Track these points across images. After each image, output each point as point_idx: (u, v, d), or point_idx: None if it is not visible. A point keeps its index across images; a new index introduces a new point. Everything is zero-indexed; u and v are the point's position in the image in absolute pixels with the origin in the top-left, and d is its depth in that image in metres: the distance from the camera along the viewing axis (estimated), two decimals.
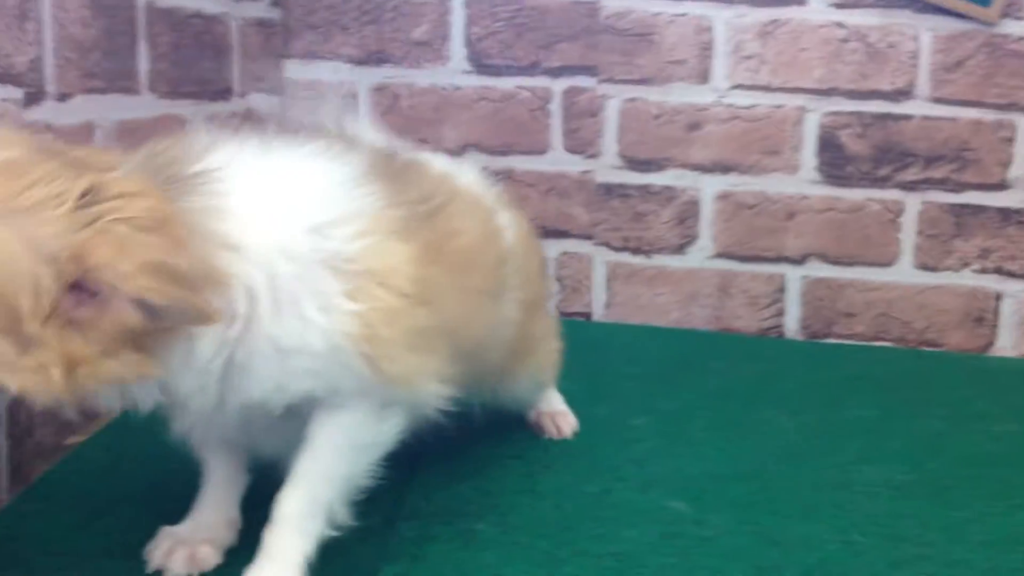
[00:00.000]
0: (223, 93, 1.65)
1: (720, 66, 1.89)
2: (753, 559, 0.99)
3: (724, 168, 1.92)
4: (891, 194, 1.87)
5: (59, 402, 0.76)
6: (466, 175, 1.17)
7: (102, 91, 1.27)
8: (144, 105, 1.39)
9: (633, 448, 1.29)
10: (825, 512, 1.11)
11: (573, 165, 1.95)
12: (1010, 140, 1.85)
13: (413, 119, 1.94)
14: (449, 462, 1.18)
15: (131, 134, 1.34)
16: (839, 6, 1.85)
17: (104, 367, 0.74)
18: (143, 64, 1.38)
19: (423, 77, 1.94)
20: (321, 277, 0.84)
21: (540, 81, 1.93)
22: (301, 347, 0.83)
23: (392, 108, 1.94)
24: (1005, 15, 1.82)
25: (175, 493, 1.06)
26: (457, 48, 1.93)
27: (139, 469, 1.14)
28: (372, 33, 1.93)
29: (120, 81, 1.32)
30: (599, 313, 1.97)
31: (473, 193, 1.15)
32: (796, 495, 1.15)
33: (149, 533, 0.97)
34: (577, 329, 1.86)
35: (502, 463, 1.20)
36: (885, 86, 1.86)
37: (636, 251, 1.96)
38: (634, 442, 1.31)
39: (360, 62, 1.94)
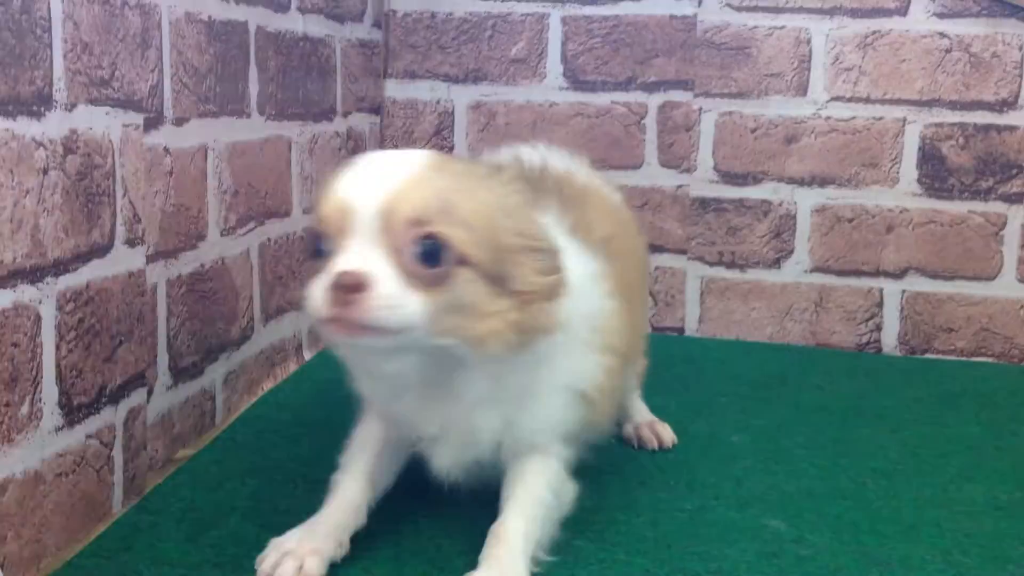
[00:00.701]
0: (327, 113, 1.70)
1: (818, 78, 1.88)
2: None
3: (821, 181, 1.91)
4: (994, 206, 1.84)
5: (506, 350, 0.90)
6: (600, 183, 1.26)
7: (215, 115, 1.33)
8: (253, 127, 1.44)
9: (730, 465, 1.29)
10: (926, 532, 1.10)
11: (668, 179, 1.96)
12: None
13: (509, 136, 1.97)
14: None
15: (240, 155, 1.40)
16: (941, 16, 1.83)
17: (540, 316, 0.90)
18: (253, 88, 1.43)
19: (519, 94, 1.97)
20: (591, 327, 1.00)
21: (635, 96, 1.94)
22: (574, 383, 0.99)
23: (488, 125, 1.98)
24: None
25: (281, 507, 1.11)
26: (553, 65, 1.95)
27: (246, 482, 1.18)
28: (470, 52, 1.97)
29: (232, 104, 1.38)
30: (692, 328, 1.98)
31: (616, 205, 1.27)
32: (896, 514, 1.15)
33: (256, 545, 1.00)
34: (671, 344, 1.87)
35: (599, 479, 1.20)
36: (989, 96, 1.83)
37: (731, 265, 1.96)
38: (731, 459, 1.31)
39: (457, 80, 1.98)
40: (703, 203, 1.95)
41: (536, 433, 1.00)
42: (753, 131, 1.92)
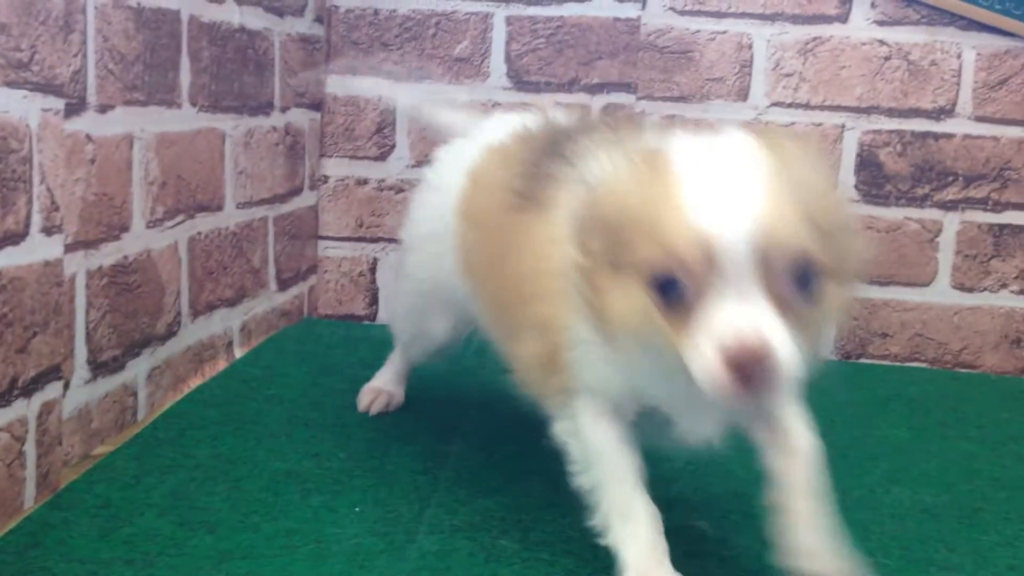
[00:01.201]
0: (264, 108, 1.68)
1: (759, 83, 1.89)
2: None
3: None
4: (929, 213, 1.85)
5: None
6: None
7: (143, 104, 1.30)
8: (184, 118, 1.41)
9: (661, 465, 1.28)
10: (852, 534, 1.09)
11: None
12: None
13: (452, 136, 1.95)
14: (474, 477, 1.19)
15: (170, 146, 1.37)
16: (881, 24, 1.84)
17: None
18: (185, 78, 1.41)
19: (463, 93, 1.95)
20: None
21: (579, 97, 1.94)
22: None
23: (430, 125, 1.96)
24: None
25: (199, 504, 1.09)
26: (497, 64, 1.94)
27: (165, 480, 1.15)
28: (413, 50, 1.95)
29: (161, 94, 1.35)
30: None
31: None
32: None
33: (169, 542, 0.99)
34: None
35: (527, 478, 1.20)
36: (926, 104, 1.85)
37: None
38: (663, 459, 1.30)
39: (400, 78, 1.96)
40: None
41: None
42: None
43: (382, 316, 2.00)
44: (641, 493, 0.94)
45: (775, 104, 1.89)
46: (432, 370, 1.63)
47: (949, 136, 1.85)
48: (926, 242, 1.86)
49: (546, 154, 0.95)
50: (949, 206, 1.85)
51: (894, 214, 1.87)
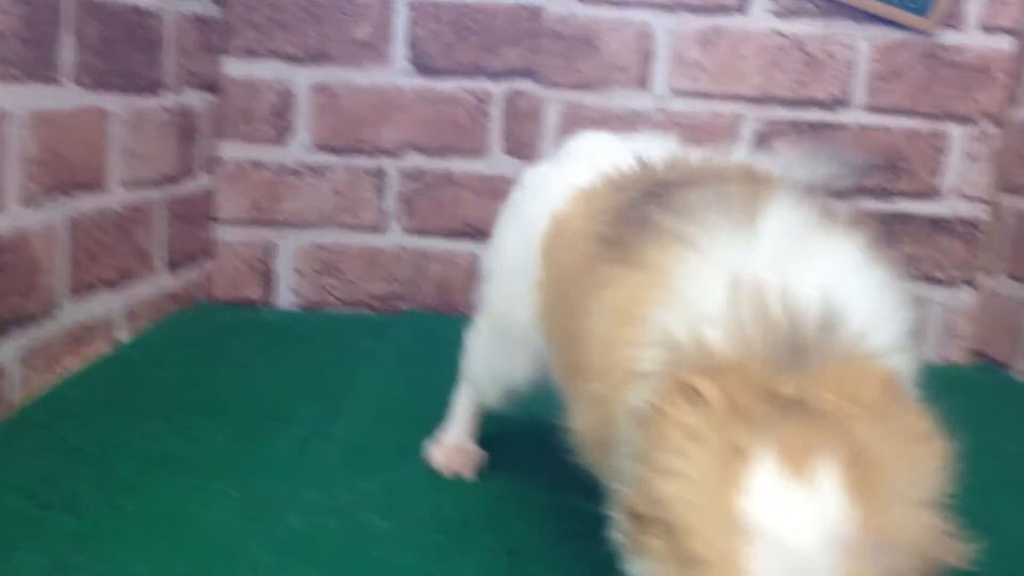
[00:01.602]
0: (153, 87, 1.64)
1: (660, 73, 1.90)
2: None
3: None
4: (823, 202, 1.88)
5: None
6: None
7: (18, 79, 1.26)
8: (65, 96, 1.37)
9: (545, 446, 1.28)
10: None
11: (512, 168, 1.95)
12: (942, 150, 1.86)
13: (352, 119, 1.93)
14: (355, 458, 1.18)
15: (48, 124, 1.33)
16: (779, 15, 1.87)
17: None
18: (67, 55, 1.37)
19: (364, 77, 1.93)
20: None
21: (481, 84, 1.93)
22: None
23: (331, 107, 1.94)
24: (942, 25, 1.84)
25: (67, 487, 1.06)
26: (399, 49, 1.93)
27: (33, 463, 1.11)
28: (314, 32, 1.93)
29: (40, 71, 1.31)
30: None
31: None
32: None
33: (32, 525, 0.96)
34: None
35: (410, 458, 1.19)
36: (821, 95, 1.87)
37: None
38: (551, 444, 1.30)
39: (300, 61, 1.93)
40: None
41: None
42: (596, 122, 1.92)
43: (278, 301, 1.98)
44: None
45: (676, 93, 1.90)
46: (322, 357, 1.62)
47: (843, 126, 1.88)
48: None
49: (646, 196, 0.82)
50: (842, 195, 1.88)
51: None
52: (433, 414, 1.34)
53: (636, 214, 0.79)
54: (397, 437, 1.24)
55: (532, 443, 1.28)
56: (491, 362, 1.13)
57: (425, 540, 0.99)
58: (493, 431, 1.30)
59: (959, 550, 0.60)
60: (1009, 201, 1.83)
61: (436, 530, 1.01)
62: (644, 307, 0.71)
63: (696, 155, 0.96)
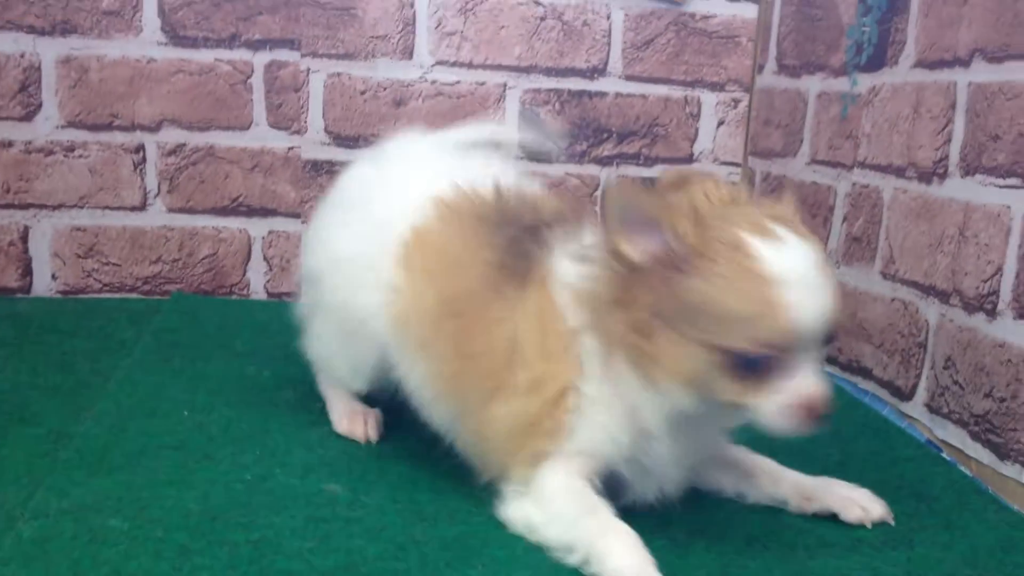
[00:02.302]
0: None
1: (423, 42, 1.90)
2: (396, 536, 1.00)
3: None
4: (588, 169, 1.93)
5: None
6: None
7: None
8: None
9: (306, 431, 1.27)
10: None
11: (278, 141, 1.91)
12: (696, 116, 1.94)
13: (104, 93, 1.85)
14: (97, 457, 1.13)
15: None
16: None
17: None
18: None
19: (114, 48, 1.85)
20: None
21: (240, 54, 1.88)
22: None
23: (81, 81, 1.84)
24: None
25: None
26: (150, 18, 1.85)
27: None
28: (56, 2, 1.82)
29: None
30: None
31: None
32: (458, 471, 1.16)
33: None
34: (288, 311, 1.83)
35: (156, 453, 1.15)
36: (581, 64, 1.92)
37: None
38: (309, 425, 1.29)
39: (43, 32, 1.83)
40: (315, 166, 1.92)
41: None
42: (363, 93, 1.91)
43: (36, 288, 1.88)
44: (618, 519, 0.97)
45: (440, 63, 1.90)
46: (76, 348, 1.56)
47: (603, 95, 1.93)
48: (586, 196, 1.94)
49: (525, 233, 1.06)
50: (605, 161, 1.94)
51: (556, 170, 1.93)
52: (188, 406, 1.31)
53: (519, 248, 1.04)
54: (143, 433, 1.21)
55: (282, 433, 1.27)
56: (344, 355, 1.23)
57: (165, 539, 0.97)
58: (255, 424, 1.29)
59: None
60: (757, 164, 1.93)
61: (177, 528, 0.99)
62: (551, 305, 1.00)
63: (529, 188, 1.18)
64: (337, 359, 1.25)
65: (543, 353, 1.01)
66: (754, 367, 0.90)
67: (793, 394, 0.90)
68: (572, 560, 0.96)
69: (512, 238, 1.06)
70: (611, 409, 0.99)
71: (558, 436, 1.00)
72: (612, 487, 1.04)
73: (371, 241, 1.16)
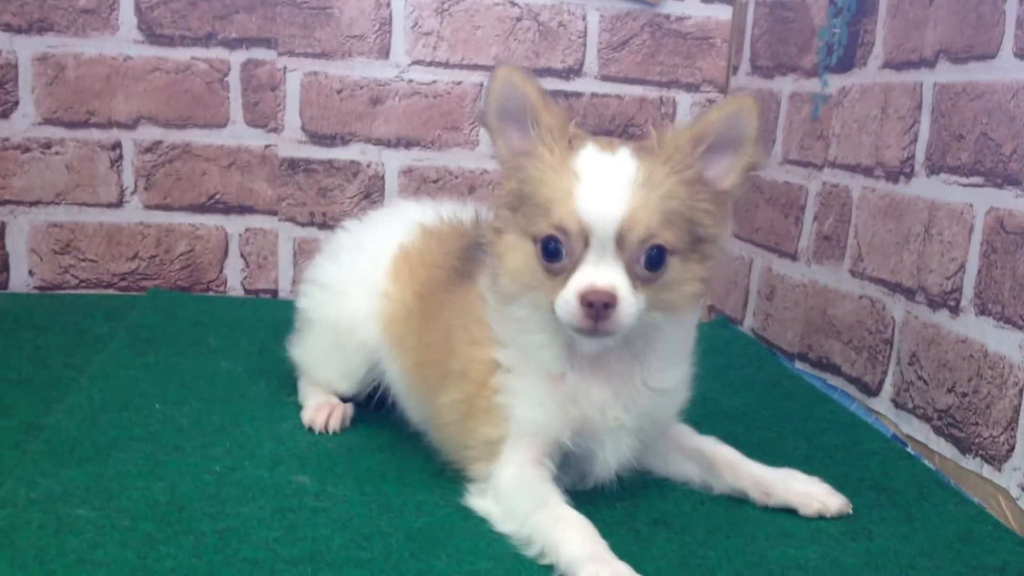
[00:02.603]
0: None
1: (399, 42, 1.91)
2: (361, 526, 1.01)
3: (407, 143, 1.94)
4: None
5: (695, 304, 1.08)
6: None
7: None
8: None
9: (276, 425, 1.28)
10: (447, 478, 1.14)
11: (255, 139, 1.92)
12: (672, 115, 1.96)
13: (81, 91, 1.85)
14: (67, 448, 1.14)
15: None
16: None
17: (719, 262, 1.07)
18: None
19: (91, 46, 1.85)
20: None
21: (217, 52, 1.88)
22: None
23: (57, 79, 1.85)
24: None
25: None
26: (127, 16, 1.85)
27: None
28: (33, 0, 1.83)
29: None
30: (286, 290, 1.96)
31: None
32: (426, 463, 1.18)
33: None
34: (264, 307, 1.84)
35: (129, 445, 1.16)
36: (557, 64, 1.93)
37: (323, 226, 1.95)
38: (281, 419, 1.30)
39: (20, 30, 1.83)
40: (292, 164, 1.93)
41: (680, 403, 1.14)
42: (339, 92, 1.92)
43: (13, 284, 1.89)
44: (570, 508, 1.00)
45: (416, 63, 1.91)
46: (51, 343, 1.56)
47: (579, 94, 1.94)
48: None
49: (474, 243, 1.17)
50: None
51: None
52: (160, 399, 1.32)
53: (471, 254, 1.16)
54: (114, 425, 1.21)
55: (253, 426, 1.28)
56: (332, 363, 1.30)
57: (131, 528, 0.97)
58: (226, 417, 1.30)
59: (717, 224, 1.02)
60: None
61: (144, 518, 1.00)
62: (477, 296, 1.11)
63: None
64: (328, 368, 1.31)
65: (468, 339, 1.10)
66: (555, 257, 0.98)
67: (573, 285, 0.97)
68: (531, 552, 0.98)
69: (467, 246, 1.19)
70: (525, 372, 1.06)
71: (498, 418, 1.06)
72: (571, 470, 1.08)
73: (368, 260, 1.28)
